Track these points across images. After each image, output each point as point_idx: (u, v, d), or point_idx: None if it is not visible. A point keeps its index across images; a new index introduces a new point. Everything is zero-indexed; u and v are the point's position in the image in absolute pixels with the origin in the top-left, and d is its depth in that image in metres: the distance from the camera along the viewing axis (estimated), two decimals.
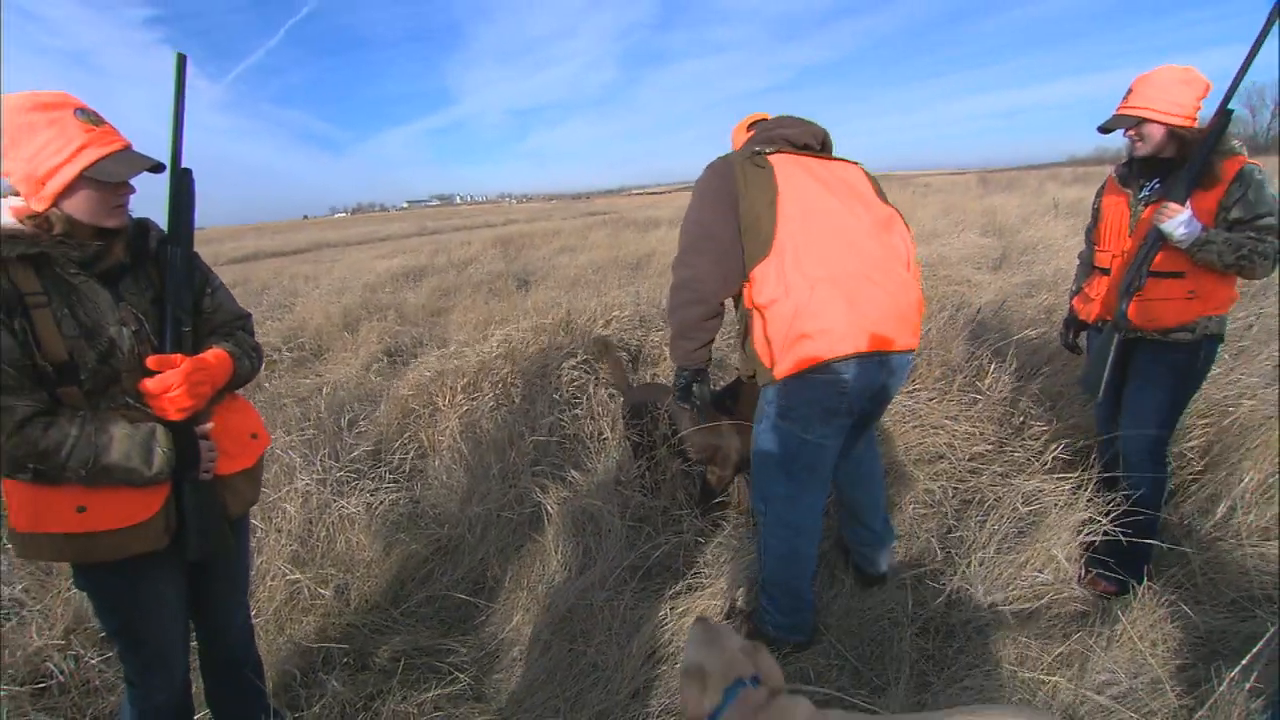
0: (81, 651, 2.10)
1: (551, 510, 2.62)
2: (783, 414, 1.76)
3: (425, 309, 6.39)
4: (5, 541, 2.59)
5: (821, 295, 1.65)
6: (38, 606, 2.24)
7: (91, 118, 1.22)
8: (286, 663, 2.09)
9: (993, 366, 3.31)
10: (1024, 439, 2.82)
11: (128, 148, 1.25)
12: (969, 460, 2.78)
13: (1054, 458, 2.56)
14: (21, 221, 1.21)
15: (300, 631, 2.23)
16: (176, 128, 1.30)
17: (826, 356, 1.64)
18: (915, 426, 2.97)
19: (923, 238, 8.64)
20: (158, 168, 1.29)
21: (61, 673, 2.04)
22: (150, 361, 1.28)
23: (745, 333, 1.82)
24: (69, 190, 1.20)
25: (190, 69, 1.32)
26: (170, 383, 1.27)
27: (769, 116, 1.99)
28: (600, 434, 3.13)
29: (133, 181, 1.30)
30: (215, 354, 1.40)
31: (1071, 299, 2.52)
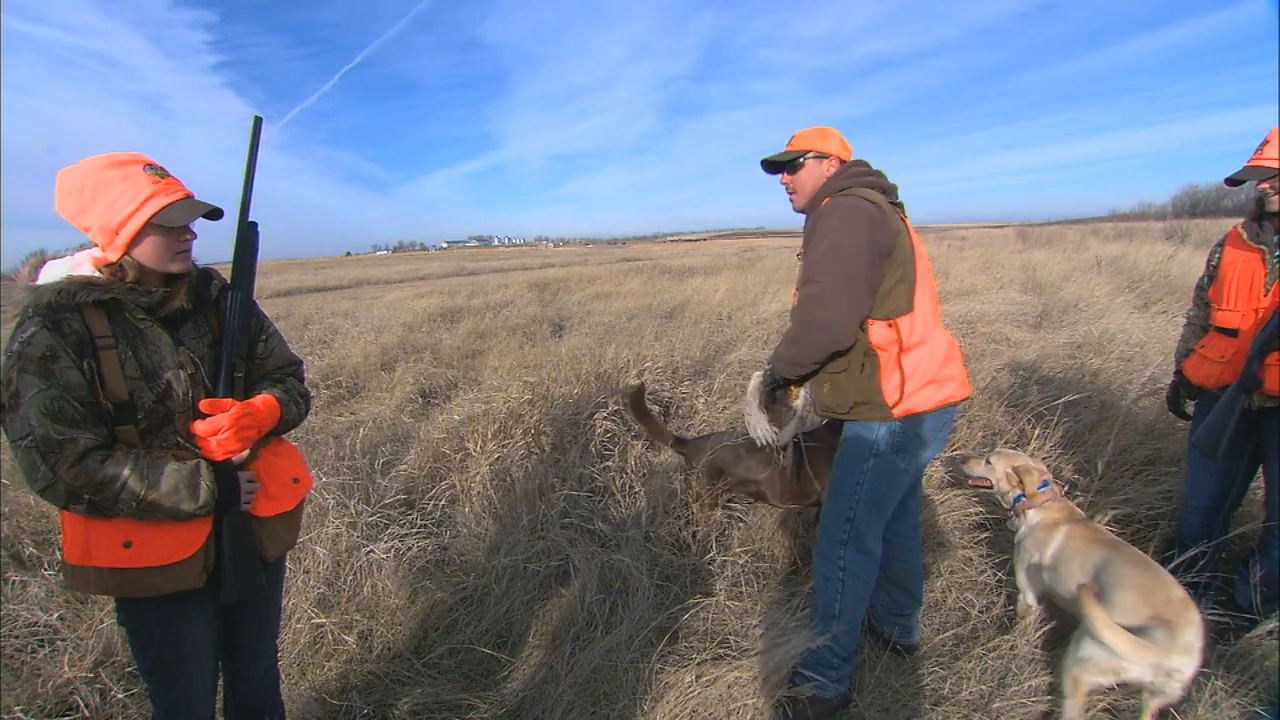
0: (109, 685, 2.12)
1: (579, 565, 2.58)
2: (897, 448, 1.86)
3: (460, 351, 6.47)
4: (45, 569, 2.64)
5: (942, 347, 1.90)
6: (72, 635, 2.27)
7: (158, 171, 1.33)
8: (307, 710, 2.07)
9: (1036, 431, 3.21)
10: None
11: (189, 196, 1.35)
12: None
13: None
14: (99, 270, 1.30)
15: (322, 677, 2.21)
16: (248, 182, 1.40)
17: (956, 399, 1.92)
18: (957, 494, 2.89)
19: (961, 293, 8.54)
20: (214, 213, 1.38)
21: (87, 706, 2.05)
22: (203, 404, 1.34)
23: (855, 371, 1.85)
24: (138, 237, 1.30)
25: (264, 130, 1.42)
26: (219, 425, 1.33)
27: (846, 145, 2.01)
28: (630, 488, 3.10)
29: (202, 234, 1.40)
30: (264, 400, 1.46)
31: (1180, 361, 2.42)
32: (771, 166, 2.04)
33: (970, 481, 2.50)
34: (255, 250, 1.45)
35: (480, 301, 10.58)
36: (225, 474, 1.36)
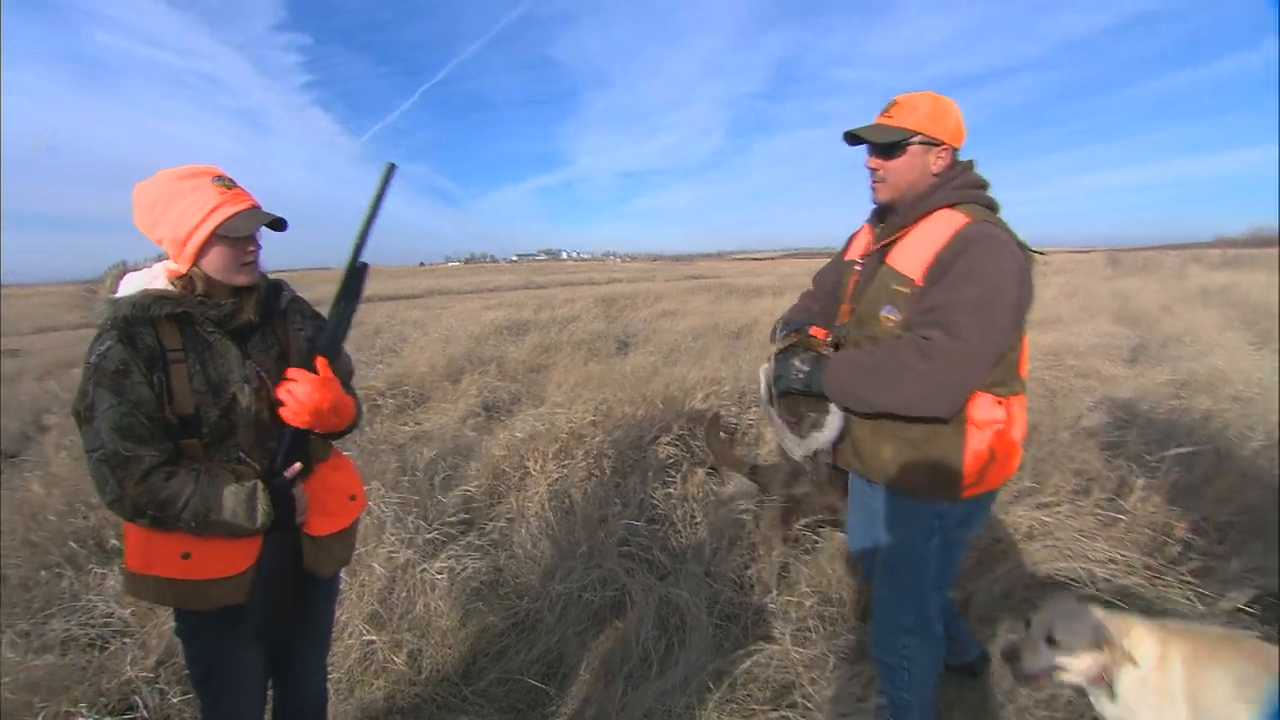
0: (166, 688, 2.14)
1: (635, 597, 2.48)
2: (961, 522, 1.63)
3: (525, 364, 6.49)
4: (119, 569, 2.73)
5: (1024, 419, 1.64)
6: (140, 632, 2.33)
7: (226, 183, 1.33)
8: None
9: (1140, 481, 2.92)
10: (1182, 573, 2.43)
11: (255, 207, 1.35)
12: (1114, 594, 2.39)
13: (1235, 608, 2.17)
14: (172, 283, 1.32)
15: (369, 696, 2.17)
16: (368, 221, 1.42)
17: (1015, 470, 1.67)
18: (1046, 545, 2.64)
19: (1045, 323, 8.06)
20: (278, 224, 1.38)
21: (146, 707, 2.08)
22: (319, 361, 1.40)
23: (940, 442, 1.52)
24: (205, 248, 1.31)
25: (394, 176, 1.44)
26: (325, 387, 1.38)
27: (962, 128, 1.56)
28: (691, 517, 2.98)
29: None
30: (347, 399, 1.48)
31: None
32: (856, 139, 1.59)
33: (1029, 681, 1.69)
34: (360, 290, 1.48)
35: (547, 315, 10.66)
36: (282, 493, 1.36)
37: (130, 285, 1.32)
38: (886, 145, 1.54)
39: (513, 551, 2.88)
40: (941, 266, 1.44)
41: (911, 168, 1.54)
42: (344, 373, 1.63)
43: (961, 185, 1.54)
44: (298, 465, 1.41)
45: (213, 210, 1.28)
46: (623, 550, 2.81)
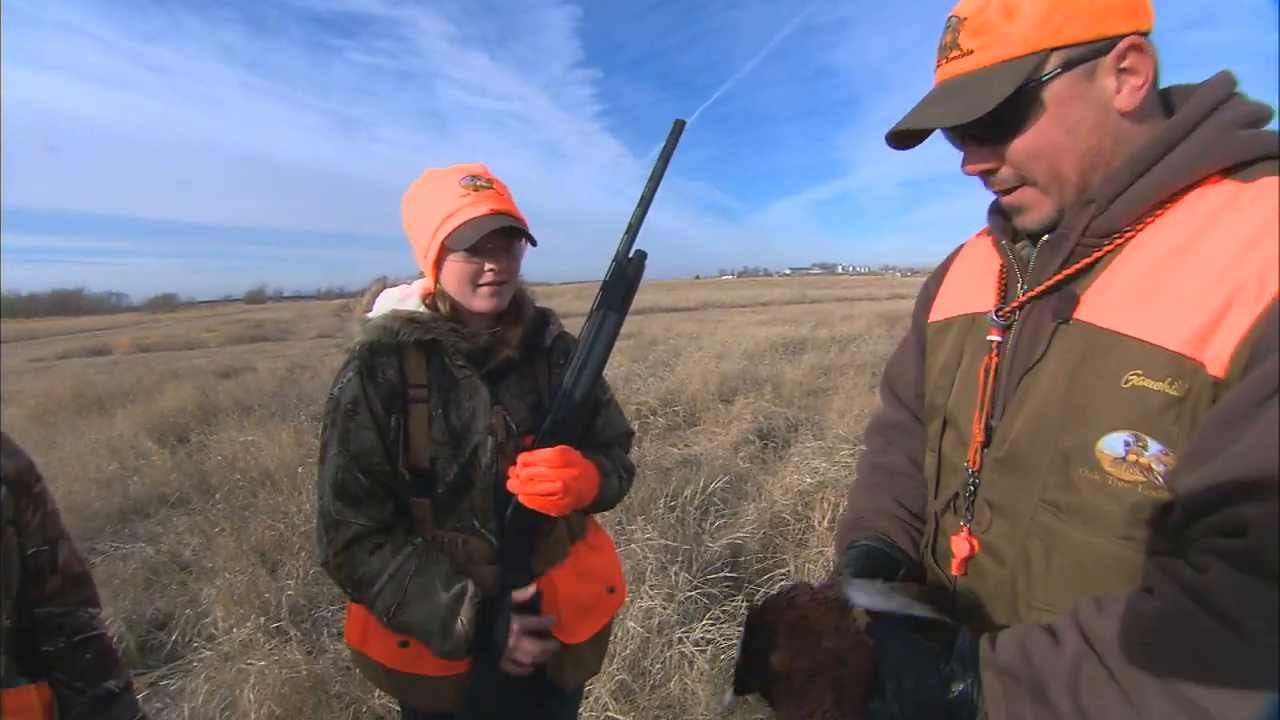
0: None
1: None
2: None
3: (802, 387, 5.92)
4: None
5: None
6: None
7: (477, 183, 1.07)
8: None
9: None
10: None
11: (497, 212, 1.05)
12: None
13: None
14: (424, 303, 1.13)
15: None
16: (654, 183, 1.02)
17: None
18: None
19: None
20: (513, 231, 1.08)
21: None
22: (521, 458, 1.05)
23: None
24: (440, 261, 1.08)
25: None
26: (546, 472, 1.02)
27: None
28: None
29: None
30: (586, 466, 1.11)
31: None
32: (913, 138, 0.73)
33: None
34: (632, 292, 1.07)
35: (825, 333, 9.92)
36: (496, 614, 1.05)
37: (384, 304, 1.14)
38: (990, 118, 0.63)
39: None
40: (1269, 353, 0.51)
41: (1073, 124, 0.63)
42: (613, 433, 1.28)
43: (1239, 121, 0.61)
44: (531, 589, 1.08)
45: (447, 217, 1.04)
46: None
